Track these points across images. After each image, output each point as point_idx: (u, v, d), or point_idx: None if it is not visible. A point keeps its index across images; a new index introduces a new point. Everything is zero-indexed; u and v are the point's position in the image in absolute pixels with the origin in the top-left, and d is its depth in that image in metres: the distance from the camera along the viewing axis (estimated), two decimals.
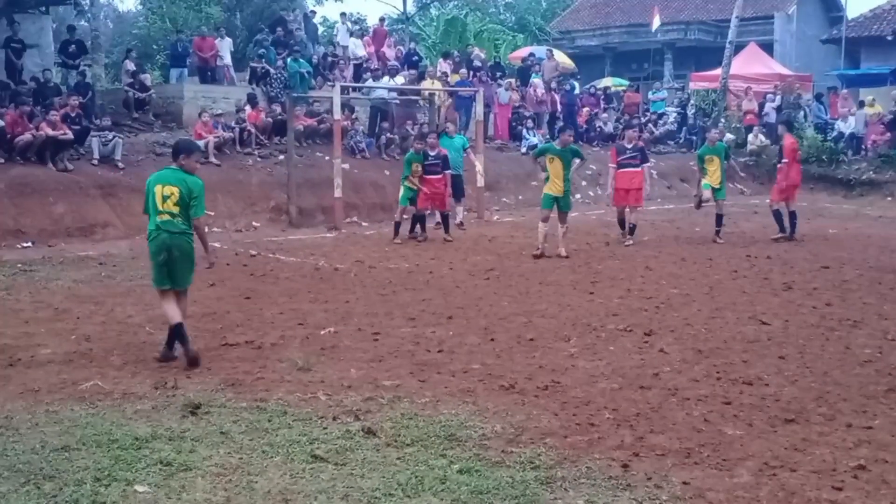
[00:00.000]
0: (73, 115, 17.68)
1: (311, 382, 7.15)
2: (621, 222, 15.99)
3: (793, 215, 16.10)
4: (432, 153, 16.12)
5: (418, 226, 16.26)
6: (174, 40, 25.29)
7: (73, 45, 21.57)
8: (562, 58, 32.30)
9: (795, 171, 16.36)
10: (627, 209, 15.68)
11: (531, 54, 30.38)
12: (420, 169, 15.82)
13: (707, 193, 15.95)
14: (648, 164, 16.35)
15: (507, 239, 16.20)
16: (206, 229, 8.22)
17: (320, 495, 4.97)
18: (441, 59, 26.46)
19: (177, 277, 7.87)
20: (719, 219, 16.02)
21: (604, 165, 18.69)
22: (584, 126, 26.96)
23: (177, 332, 7.72)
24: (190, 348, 7.67)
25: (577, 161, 14.54)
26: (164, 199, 7.71)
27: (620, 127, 26.59)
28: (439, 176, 16.11)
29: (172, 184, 7.74)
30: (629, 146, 15.82)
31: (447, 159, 16.60)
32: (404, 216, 16.17)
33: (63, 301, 10.46)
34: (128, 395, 6.79)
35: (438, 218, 16.49)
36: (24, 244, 14.77)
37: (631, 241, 15.42)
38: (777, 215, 16.15)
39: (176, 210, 7.71)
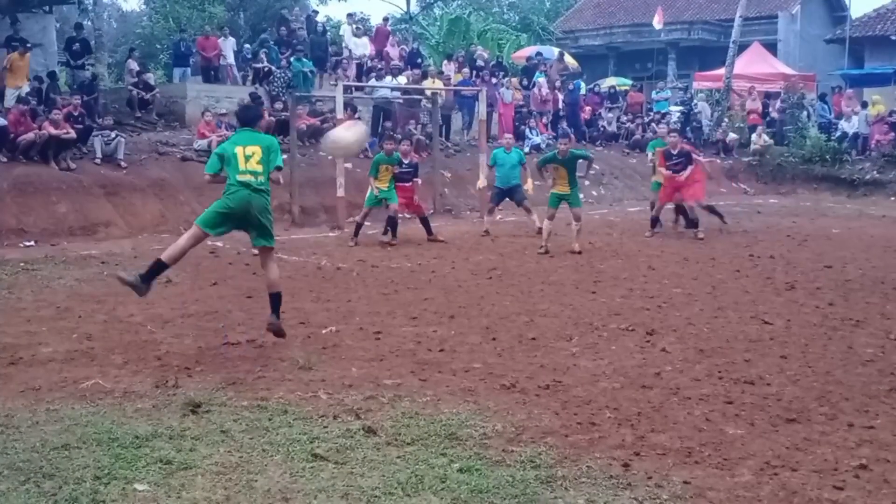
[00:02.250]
0: (75, 114, 17.70)
1: (312, 381, 7.14)
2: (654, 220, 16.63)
3: (690, 211, 16.33)
4: (406, 160, 15.99)
5: (389, 229, 15.84)
6: (177, 39, 25.32)
7: (78, 44, 21.59)
8: (567, 58, 32.31)
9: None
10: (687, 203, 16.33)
11: (539, 53, 30.39)
12: (389, 172, 15.47)
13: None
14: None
15: (509, 238, 16.19)
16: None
17: (320, 494, 4.96)
18: (446, 61, 26.47)
19: (262, 231, 8.08)
20: (721, 218, 16.25)
21: (606, 165, 18.67)
22: (587, 125, 26.96)
23: (157, 266, 8.09)
24: (271, 323, 8.05)
25: (583, 161, 14.64)
26: (247, 158, 7.93)
27: (624, 126, 26.70)
28: (409, 184, 15.93)
29: (254, 143, 8.00)
30: (674, 152, 16.03)
31: (417, 168, 16.45)
32: (367, 219, 15.84)
33: (65, 300, 10.46)
34: (128, 393, 6.78)
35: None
36: (27, 243, 14.78)
37: (702, 234, 16.07)
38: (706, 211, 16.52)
39: (259, 168, 7.93)
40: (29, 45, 19.62)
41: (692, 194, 15.93)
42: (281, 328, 8.13)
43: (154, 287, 7.90)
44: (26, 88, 18.73)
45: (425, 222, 16.06)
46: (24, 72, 19.21)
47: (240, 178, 7.92)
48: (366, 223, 15.79)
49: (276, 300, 8.12)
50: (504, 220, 18.94)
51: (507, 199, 17.22)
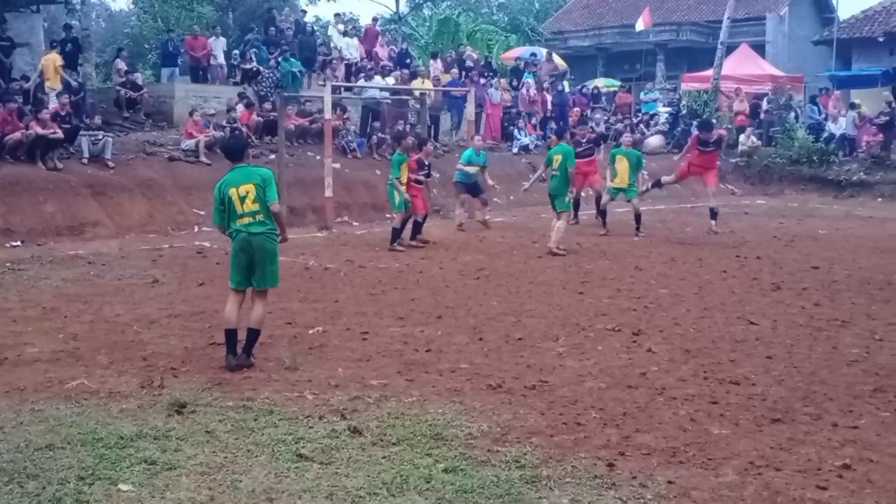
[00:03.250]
0: (63, 113, 17.63)
1: (298, 381, 7.14)
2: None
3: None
4: (427, 161, 16.09)
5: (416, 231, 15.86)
6: (165, 39, 25.25)
7: (70, 45, 21.51)
8: (557, 59, 32.36)
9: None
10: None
11: (532, 54, 30.40)
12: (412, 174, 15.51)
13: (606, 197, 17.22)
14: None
15: (497, 239, 16.19)
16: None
17: (305, 494, 4.96)
18: (432, 61, 26.45)
19: (259, 277, 7.74)
20: (637, 217, 16.87)
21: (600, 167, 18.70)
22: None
23: (228, 338, 7.65)
24: (239, 360, 7.57)
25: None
26: (242, 199, 7.59)
27: (613, 127, 26.76)
28: (422, 185, 15.96)
29: (246, 182, 7.60)
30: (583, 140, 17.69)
31: (430, 168, 16.59)
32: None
33: (51, 300, 10.42)
34: (114, 393, 6.77)
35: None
36: (14, 243, 14.71)
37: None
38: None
39: (256, 207, 7.59)
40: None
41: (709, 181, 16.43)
42: (245, 365, 7.59)
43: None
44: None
45: (419, 224, 16.00)
46: None
47: (239, 222, 7.62)
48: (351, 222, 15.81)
49: (253, 337, 7.70)
50: (493, 221, 18.95)
51: (470, 193, 17.54)
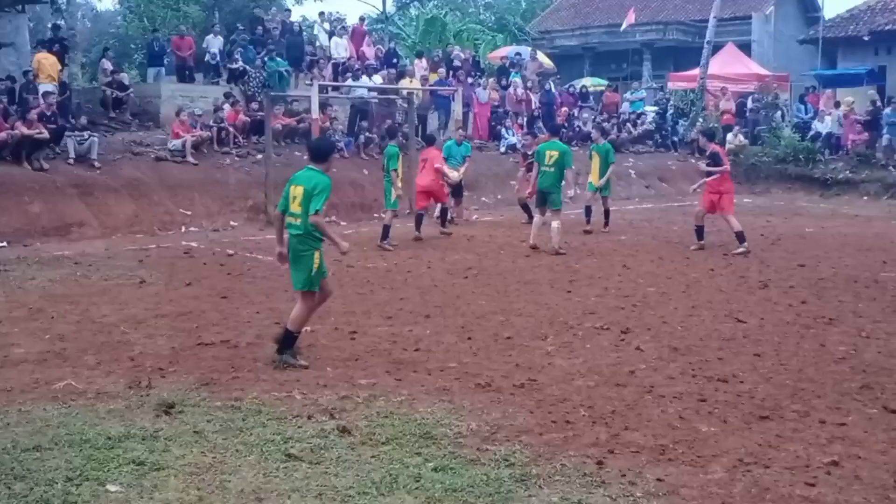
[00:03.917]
0: (49, 113, 17.55)
1: (286, 381, 7.12)
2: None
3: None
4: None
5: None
6: (151, 39, 25.15)
7: (57, 45, 21.40)
8: (543, 58, 32.38)
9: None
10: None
11: (517, 53, 30.42)
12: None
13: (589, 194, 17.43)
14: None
15: (485, 238, 16.19)
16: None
17: (294, 494, 4.94)
18: (416, 59, 26.42)
19: (293, 277, 7.81)
20: (606, 213, 17.15)
21: (582, 165, 18.71)
22: (564, 125, 27.01)
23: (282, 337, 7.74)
24: (279, 359, 7.65)
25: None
26: (293, 199, 7.66)
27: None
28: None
29: (301, 184, 7.65)
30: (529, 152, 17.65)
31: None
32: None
33: (38, 300, 10.37)
34: (101, 394, 6.74)
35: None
36: (0, 244, 14.64)
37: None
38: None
39: (298, 210, 7.60)
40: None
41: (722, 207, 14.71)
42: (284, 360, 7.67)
43: (298, 359, 7.68)
44: None
45: (421, 219, 16.32)
46: None
47: (288, 219, 7.74)
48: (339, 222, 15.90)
49: (284, 337, 7.72)
50: (481, 220, 18.97)
51: (452, 194, 17.66)
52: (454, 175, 17.04)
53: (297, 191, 7.63)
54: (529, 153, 17.66)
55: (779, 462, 5.48)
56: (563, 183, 14.33)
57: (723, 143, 27.93)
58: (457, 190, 17.84)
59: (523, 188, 17.84)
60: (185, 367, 7.56)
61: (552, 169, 14.08)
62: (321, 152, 7.91)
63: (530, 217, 17.29)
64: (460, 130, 19.44)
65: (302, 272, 7.69)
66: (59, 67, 19.86)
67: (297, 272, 7.73)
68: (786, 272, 12.55)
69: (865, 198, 24.41)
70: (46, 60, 19.54)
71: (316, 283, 7.74)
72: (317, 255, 7.65)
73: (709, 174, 14.72)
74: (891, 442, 5.85)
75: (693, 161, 27.49)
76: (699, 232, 14.89)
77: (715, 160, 14.73)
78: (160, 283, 11.52)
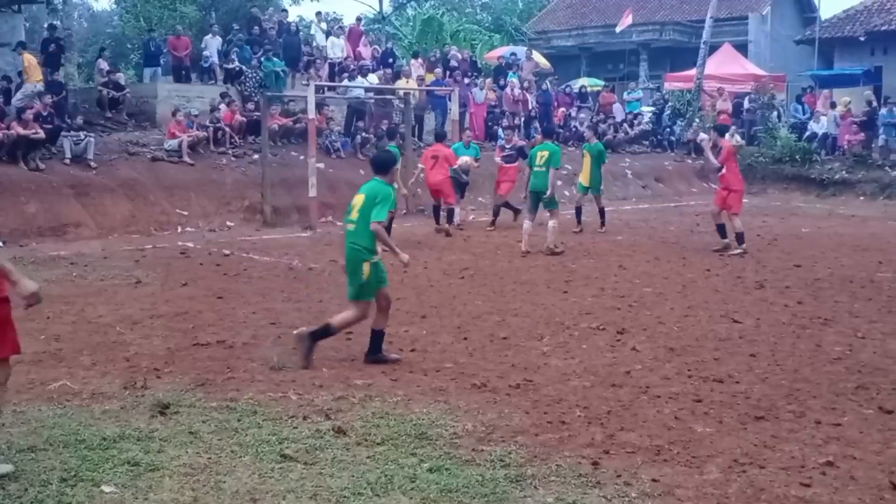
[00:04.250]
0: (45, 113, 17.52)
1: (282, 382, 7.12)
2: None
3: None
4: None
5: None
6: (147, 39, 25.13)
7: (53, 45, 21.36)
8: (539, 58, 32.39)
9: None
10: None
11: (513, 54, 30.44)
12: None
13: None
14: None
15: (482, 238, 16.20)
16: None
17: (289, 495, 4.94)
18: (413, 60, 26.40)
19: (349, 281, 7.83)
20: (601, 212, 17.20)
21: (578, 165, 18.74)
22: (560, 125, 27.04)
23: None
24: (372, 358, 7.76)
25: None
26: (353, 208, 7.74)
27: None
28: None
29: (362, 192, 7.75)
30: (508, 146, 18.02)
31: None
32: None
33: None
34: (96, 395, 6.73)
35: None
36: None
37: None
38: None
39: (355, 217, 7.65)
40: None
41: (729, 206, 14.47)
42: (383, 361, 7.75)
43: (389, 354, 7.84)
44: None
45: (438, 210, 17.03)
46: None
47: (347, 226, 7.82)
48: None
49: (374, 338, 7.83)
50: (478, 220, 18.96)
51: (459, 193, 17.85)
52: (466, 160, 17.15)
53: (358, 199, 7.71)
54: (507, 146, 18.30)
55: (774, 462, 5.48)
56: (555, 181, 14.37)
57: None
58: (460, 190, 17.87)
59: (502, 189, 18.10)
60: (180, 367, 7.55)
61: (543, 169, 14.07)
62: (383, 164, 7.96)
63: (515, 211, 17.45)
64: (468, 132, 19.50)
65: (354, 285, 7.71)
66: (42, 68, 19.65)
67: (350, 281, 7.77)
68: (782, 272, 12.56)
69: (862, 198, 24.45)
70: (29, 61, 19.34)
71: (366, 294, 7.70)
72: (366, 266, 7.58)
73: (718, 171, 14.79)
74: (886, 442, 5.85)
75: (690, 162, 27.65)
76: (721, 230, 14.66)
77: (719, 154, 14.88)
78: (156, 284, 11.51)
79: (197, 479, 5.13)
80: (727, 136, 27.13)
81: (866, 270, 12.73)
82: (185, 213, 17.53)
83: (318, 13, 28.25)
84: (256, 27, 24.62)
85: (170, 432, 5.87)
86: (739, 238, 14.32)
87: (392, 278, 11.93)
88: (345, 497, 4.91)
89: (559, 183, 14.82)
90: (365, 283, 7.64)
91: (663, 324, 9.32)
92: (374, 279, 7.68)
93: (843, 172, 25.94)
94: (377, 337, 7.82)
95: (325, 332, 7.74)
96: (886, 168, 25.56)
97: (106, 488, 4.98)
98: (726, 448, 5.70)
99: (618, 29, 35.02)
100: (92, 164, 17.38)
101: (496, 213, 17.85)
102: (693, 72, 31.06)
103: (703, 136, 15.09)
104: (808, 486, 5.12)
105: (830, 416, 6.36)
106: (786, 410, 6.49)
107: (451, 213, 17.12)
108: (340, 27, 28.03)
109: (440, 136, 18.12)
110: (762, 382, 7.20)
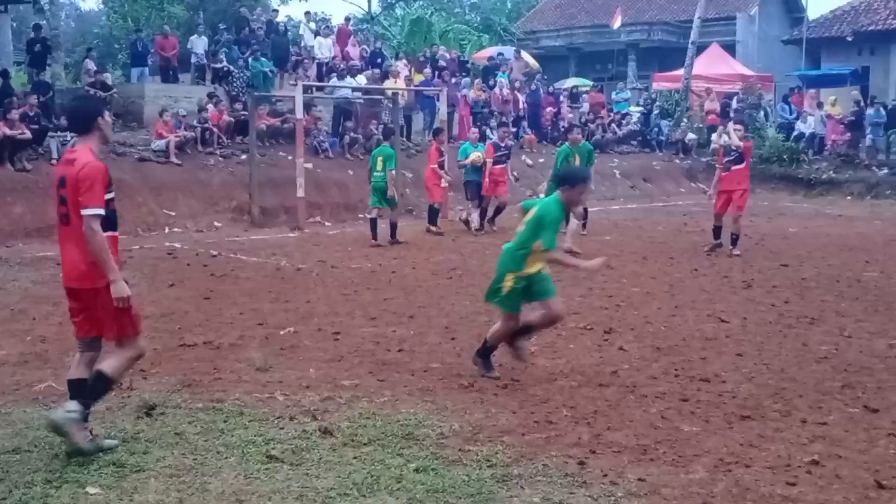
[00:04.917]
0: (31, 114, 17.46)
1: (269, 382, 7.10)
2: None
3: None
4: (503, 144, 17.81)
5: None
6: (134, 39, 25.07)
7: (39, 45, 21.29)
8: (528, 58, 32.43)
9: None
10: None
11: (500, 54, 30.47)
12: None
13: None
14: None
15: (470, 238, 16.20)
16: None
17: (275, 496, 4.93)
18: (395, 60, 26.31)
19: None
20: (584, 212, 16.45)
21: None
22: (549, 125, 27.09)
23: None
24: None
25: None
26: (523, 212, 7.42)
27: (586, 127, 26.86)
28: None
29: (532, 206, 7.33)
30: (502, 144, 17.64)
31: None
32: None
33: (20, 302, 10.32)
34: None
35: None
36: None
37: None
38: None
39: (521, 229, 7.24)
40: None
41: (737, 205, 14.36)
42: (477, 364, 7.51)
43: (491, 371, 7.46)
44: None
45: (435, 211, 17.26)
46: None
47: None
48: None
49: (483, 348, 7.51)
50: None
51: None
52: (477, 156, 17.09)
53: (529, 211, 7.27)
54: (501, 144, 17.79)
55: (760, 461, 5.49)
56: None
57: (707, 143, 28.12)
58: (475, 193, 17.56)
59: (500, 190, 17.61)
60: (166, 368, 7.52)
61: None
62: (568, 178, 7.44)
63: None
64: (474, 131, 19.33)
65: (494, 286, 7.40)
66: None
67: (492, 285, 7.45)
68: (769, 272, 12.60)
69: (849, 198, 24.57)
70: None
71: (507, 305, 7.32)
72: (510, 276, 7.22)
73: (726, 168, 14.38)
74: (871, 441, 5.87)
75: (678, 162, 27.70)
76: (717, 231, 14.65)
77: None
78: (143, 284, 11.45)
79: (182, 480, 5.11)
80: (715, 135, 27.40)
81: (853, 270, 12.78)
82: (173, 213, 17.48)
83: (307, 13, 28.22)
84: (245, 27, 24.57)
85: (155, 433, 5.85)
86: (734, 240, 14.30)
87: (379, 279, 12.04)
88: (331, 498, 4.90)
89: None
90: (506, 294, 7.29)
91: (650, 323, 9.34)
92: (517, 292, 7.31)
93: (831, 172, 26.06)
94: (487, 349, 7.53)
95: (487, 349, 7.50)
96: (873, 168, 25.70)
97: (91, 490, 4.96)
98: (712, 447, 5.71)
99: (614, 26, 35.07)
100: None
101: (496, 214, 17.41)
102: (681, 72, 31.15)
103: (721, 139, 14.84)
104: (794, 485, 5.13)
105: (816, 415, 6.38)
106: (772, 409, 6.51)
107: (434, 212, 17.18)
108: (329, 27, 28.00)
109: (436, 132, 18.32)
110: (748, 382, 7.22)
